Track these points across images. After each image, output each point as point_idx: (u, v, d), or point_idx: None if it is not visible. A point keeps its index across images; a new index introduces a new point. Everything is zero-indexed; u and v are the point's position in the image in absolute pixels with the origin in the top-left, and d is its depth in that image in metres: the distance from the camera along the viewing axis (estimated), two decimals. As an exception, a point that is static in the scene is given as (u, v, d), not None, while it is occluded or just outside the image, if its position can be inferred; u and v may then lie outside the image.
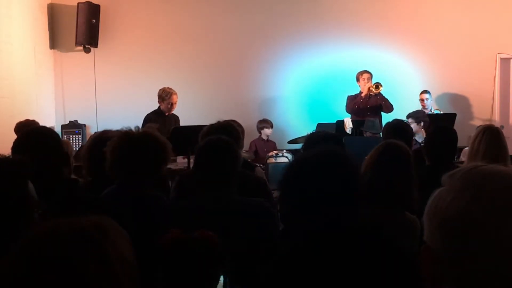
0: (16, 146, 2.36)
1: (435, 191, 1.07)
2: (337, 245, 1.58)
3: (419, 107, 7.35)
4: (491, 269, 0.97)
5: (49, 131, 2.72)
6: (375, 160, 2.54)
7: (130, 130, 2.57)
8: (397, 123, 4.37)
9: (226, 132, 2.98)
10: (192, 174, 2.74)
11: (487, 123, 7.37)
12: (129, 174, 2.48)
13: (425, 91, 7.43)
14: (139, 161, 2.47)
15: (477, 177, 1.03)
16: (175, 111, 6.70)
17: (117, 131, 2.64)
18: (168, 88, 6.58)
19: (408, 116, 5.84)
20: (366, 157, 2.64)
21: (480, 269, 0.98)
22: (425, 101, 7.36)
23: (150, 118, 6.53)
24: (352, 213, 1.66)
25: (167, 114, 6.61)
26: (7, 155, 1.84)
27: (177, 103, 6.67)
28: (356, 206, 1.67)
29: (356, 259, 1.56)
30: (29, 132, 2.52)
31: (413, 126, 5.47)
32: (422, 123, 5.75)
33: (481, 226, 0.98)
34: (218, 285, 1.87)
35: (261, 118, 7.52)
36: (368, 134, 6.08)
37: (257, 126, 7.42)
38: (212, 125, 3.35)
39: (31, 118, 5.77)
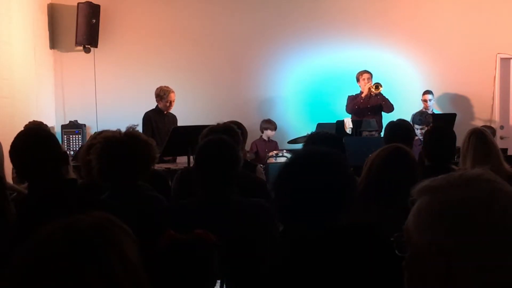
0: (13, 147, 2.35)
1: (415, 202, 1.09)
2: (331, 245, 1.59)
3: (420, 107, 7.35)
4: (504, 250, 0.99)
5: (45, 131, 2.72)
6: (381, 163, 2.54)
7: (114, 133, 2.56)
8: (399, 123, 4.36)
9: (226, 134, 2.98)
10: (192, 169, 2.74)
11: (487, 123, 7.39)
12: (119, 178, 2.47)
13: (427, 92, 7.40)
14: (125, 164, 2.46)
15: (468, 174, 1.06)
16: (174, 110, 6.72)
17: (114, 131, 2.64)
18: (165, 86, 6.60)
19: (416, 122, 5.72)
20: (370, 157, 2.63)
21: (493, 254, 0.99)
22: (428, 102, 7.34)
23: (149, 116, 6.54)
24: (339, 213, 1.67)
25: (165, 112, 6.62)
26: None
27: (177, 102, 6.69)
28: (344, 206, 1.68)
29: (350, 258, 1.56)
30: (25, 133, 2.52)
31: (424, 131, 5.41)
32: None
33: (486, 210, 1.00)
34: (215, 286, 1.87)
35: (262, 118, 7.51)
36: (365, 133, 6.07)
37: (260, 125, 7.42)
38: (211, 127, 3.35)
39: (31, 118, 5.77)
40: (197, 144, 2.76)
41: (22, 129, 2.81)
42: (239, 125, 3.72)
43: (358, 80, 7.27)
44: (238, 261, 2.38)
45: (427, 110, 7.20)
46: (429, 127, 5.56)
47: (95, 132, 3.45)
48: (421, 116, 5.84)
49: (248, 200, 2.57)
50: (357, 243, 1.60)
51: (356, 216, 1.71)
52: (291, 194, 1.67)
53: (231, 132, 3.24)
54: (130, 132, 2.57)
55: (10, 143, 2.40)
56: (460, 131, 4.07)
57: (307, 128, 6.64)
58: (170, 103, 6.58)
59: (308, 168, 1.68)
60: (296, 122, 7.78)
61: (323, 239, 1.61)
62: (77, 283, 0.99)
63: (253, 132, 7.24)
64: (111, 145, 2.48)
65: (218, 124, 3.44)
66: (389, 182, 2.46)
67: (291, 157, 1.90)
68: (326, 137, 3.28)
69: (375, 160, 2.57)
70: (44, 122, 5.43)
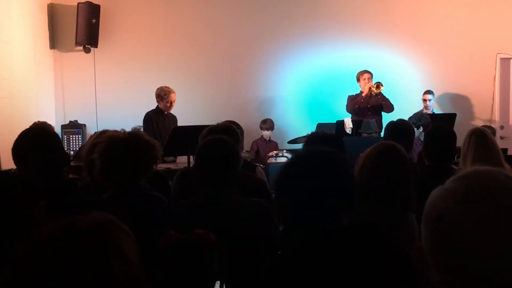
0: (16, 147, 2.35)
1: (433, 192, 1.08)
2: (331, 245, 1.59)
3: (421, 107, 7.35)
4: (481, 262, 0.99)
5: (48, 131, 2.72)
6: (373, 160, 2.54)
7: (117, 132, 2.56)
8: (399, 123, 4.36)
9: (226, 134, 2.98)
10: (192, 169, 2.74)
11: (487, 123, 7.39)
12: (121, 178, 2.47)
13: (428, 92, 7.40)
14: (129, 163, 2.46)
15: (479, 178, 1.04)
16: (174, 110, 6.72)
17: (115, 131, 2.64)
18: (165, 87, 6.60)
19: (417, 126, 5.68)
20: (361, 155, 2.63)
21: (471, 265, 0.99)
22: (428, 102, 7.33)
23: (150, 116, 6.54)
24: (341, 213, 1.67)
25: (166, 113, 6.62)
26: (16, 174, 1.83)
27: (177, 103, 6.68)
28: (345, 206, 1.68)
29: (350, 258, 1.56)
30: (28, 133, 2.52)
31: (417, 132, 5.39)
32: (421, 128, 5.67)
33: (484, 223, 1.00)
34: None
35: (262, 118, 7.51)
36: (364, 135, 6.06)
37: (260, 125, 7.43)
38: (211, 127, 3.35)
39: (31, 118, 5.78)
40: (197, 144, 2.76)
41: (23, 129, 2.80)
42: (237, 125, 3.72)
43: (358, 80, 7.27)
44: (238, 261, 2.38)
45: (427, 110, 7.20)
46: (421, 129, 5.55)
47: (95, 132, 3.45)
48: (416, 117, 5.84)
49: (248, 200, 2.57)
50: (358, 243, 1.60)
51: (352, 215, 1.71)
52: (292, 194, 1.67)
53: (230, 132, 3.24)
54: (135, 132, 2.57)
55: (10, 143, 2.41)
56: (460, 131, 4.07)
57: (307, 128, 6.65)
58: (171, 103, 6.58)
59: (309, 168, 1.68)
60: (296, 122, 7.79)
61: (324, 239, 1.61)
62: (76, 283, 0.99)
63: (253, 132, 7.24)
64: (115, 145, 2.48)
65: (217, 124, 3.44)
66: (382, 180, 2.47)
67: (292, 157, 1.90)
68: (326, 137, 3.28)
69: (366, 159, 2.58)
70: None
